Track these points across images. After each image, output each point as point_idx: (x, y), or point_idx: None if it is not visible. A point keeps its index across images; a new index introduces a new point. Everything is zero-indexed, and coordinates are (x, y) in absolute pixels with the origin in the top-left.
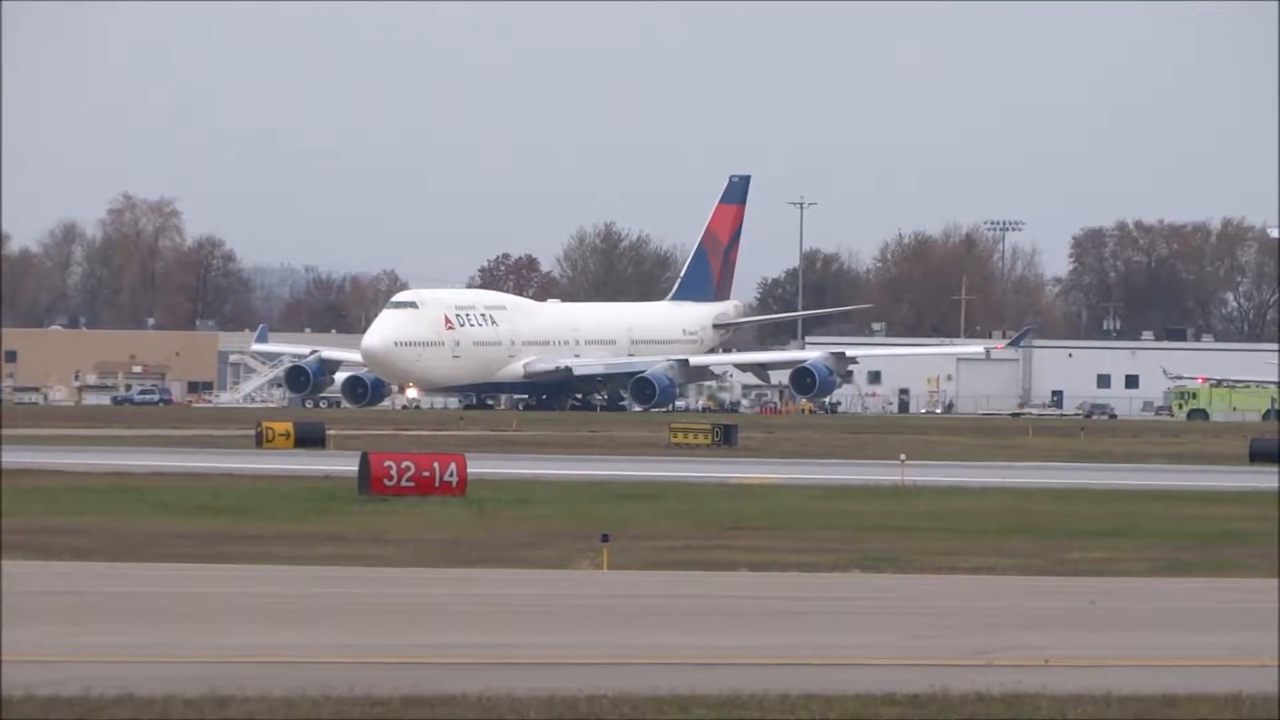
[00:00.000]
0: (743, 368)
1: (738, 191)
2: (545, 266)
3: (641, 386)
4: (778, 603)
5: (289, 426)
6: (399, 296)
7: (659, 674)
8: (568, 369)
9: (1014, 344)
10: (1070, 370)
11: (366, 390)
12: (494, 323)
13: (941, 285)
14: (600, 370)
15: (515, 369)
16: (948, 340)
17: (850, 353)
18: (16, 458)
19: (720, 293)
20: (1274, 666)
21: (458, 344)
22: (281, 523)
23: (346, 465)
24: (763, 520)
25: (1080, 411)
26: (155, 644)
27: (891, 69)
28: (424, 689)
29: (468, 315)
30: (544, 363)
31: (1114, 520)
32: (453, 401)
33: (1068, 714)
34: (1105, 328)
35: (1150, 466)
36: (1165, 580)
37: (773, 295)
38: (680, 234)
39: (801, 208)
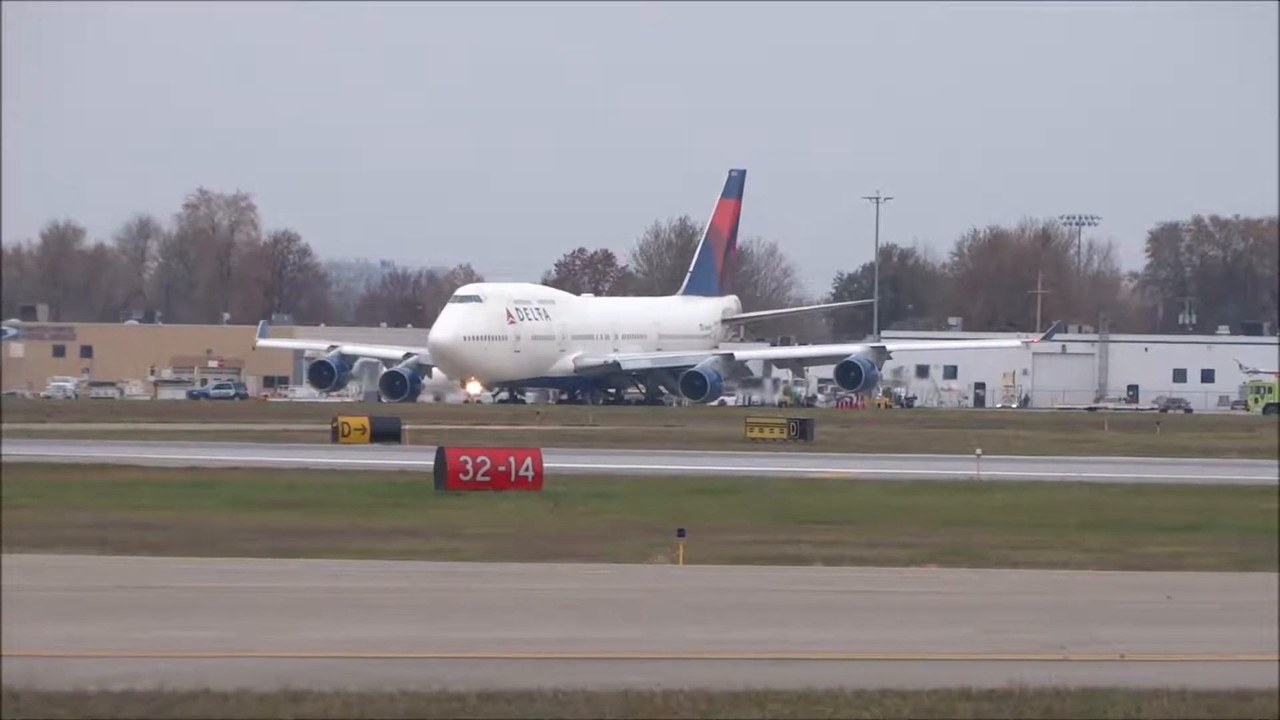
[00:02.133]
0: (779, 363)
1: (735, 186)
2: (621, 261)
3: (692, 380)
4: (853, 597)
5: (365, 421)
6: (463, 290)
7: (734, 669)
8: (616, 363)
9: (1047, 337)
10: (1146, 365)
11: (405, 385)
12: (547, 317)
13: (1017, 280)
14: (648, 364)
15: (566, 363)
16: (988, 335)
17: (890, 347)
18: (91, 452)
19: (723, 288)
20: None
21: (518, 338)
22: (357, 517)
23: (422, 460)
24: (838, 515)
25: (1156, 406)
26: (230, 639)
27: (971, 67)
28: (499, 684)
29: (524, 309)
30: (593, 357)
31: (1189, 515)
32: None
33: (1143, 709)
34: (1181, 322)
35: (1225, 461)
36: (1240, 575)
37: (848, 290)
38: (755, 229)
39: (877, 202)
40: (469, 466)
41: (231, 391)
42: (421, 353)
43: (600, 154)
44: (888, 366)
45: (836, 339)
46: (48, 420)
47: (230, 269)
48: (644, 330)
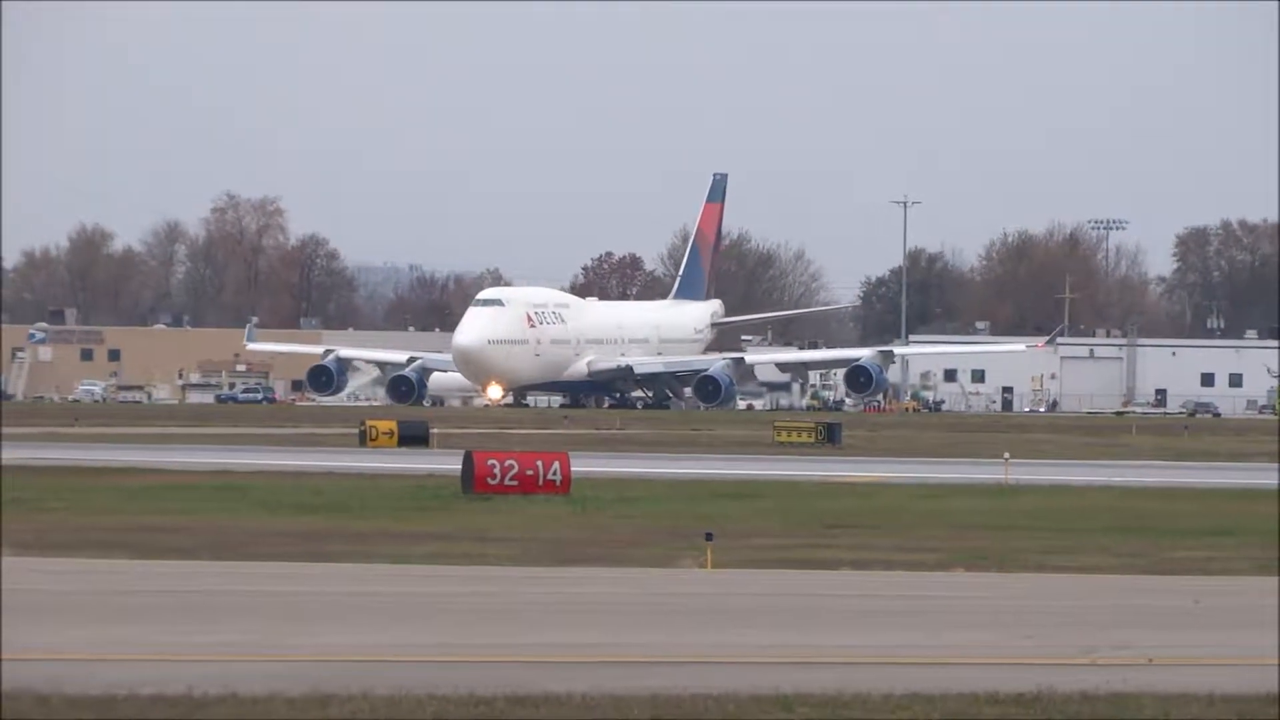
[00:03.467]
0: (782, 367)
1: (719, 190)
2: (649, 265)
3: (705, 384)
4: (880, 601)
5: (392, 425)
6: (484, 294)
7: (762, 673)
8: (628, 367)
9: (1050, 342)
10: (1174, 369)
11: (411, 389)
12: (563, 321)
13: (1045, 284)
14: (660, 368)
15: (580, 367)
16: (992, 339)
17: (898, 351)
18: (119, 456)
19: (709, 292)
20: None
21: (538, 342)
22: (384, 521)
23: (450, 463)
24: (866, 519)
25: (1184, 410)
26: (258, 642)
27: (995, 68)
28: (527, 688)
29: (543, 314)
30: (606, 361)
31: (1217, 519)
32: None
33: (1171, 713)
34: (1209, 326)
35: (1253, 465)
36: (1268, 579)
37: (876, 294)
38: (783, 233)
39: (905, 207)
40: (497, 470)
41: (259, 396)
42: (426, 356)
43: (626, 156)
44: (915, 370)
45: (864, 342)
46: (76, 424)
47: (258, 273)
48: (646, 334)
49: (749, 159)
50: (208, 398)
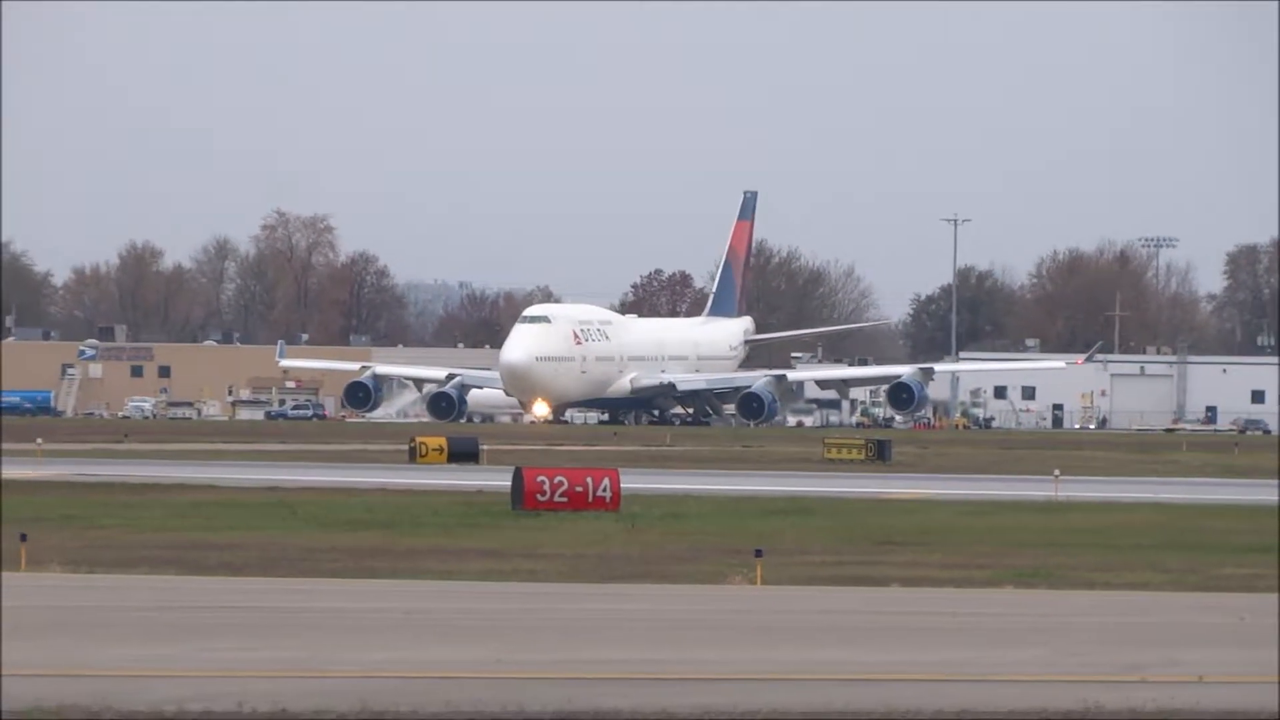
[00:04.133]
0: (824, 384)
1: (749, 208)
2: (698, 283)
3: (749, 402)
4: (930, 618)
5: (442, 441)
6: (530, 310)
7: (813, 690)
8: (671, 384)
9: (1089, 358)
10: (1224, 386)
11: (452, 405)
12: (607, 338)
13: (1096, 301)
14: (703, 385)
15: (623, 384)
16: (1042, 356)
17: (939, 369)
18: (169, 472)
19: (740, 308)
20: None
21: (584, 359)
22: (434, 537)
23: (500, 480)
24: (915, 536)
25: (1234, 427)
26: (307, 659)
27: (1046, 83)
28: (577, 705)
29: (588, 330)
30: (649, 378)
31: (1267, 536)
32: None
33: None
34: (1260, 343)
35: None
36: None
37: (925, 311)
38: (833, 250)
39: (955, 224)
40: (546, 487)
41: (309, 412)
42: (465, 373)
43: (672, 172)
44: (964, 387)
45: (914, 359)
46: (126, 440)
47: (308, 290)
48: (685, 351)
49: (799, 178)
50: (258, 414)
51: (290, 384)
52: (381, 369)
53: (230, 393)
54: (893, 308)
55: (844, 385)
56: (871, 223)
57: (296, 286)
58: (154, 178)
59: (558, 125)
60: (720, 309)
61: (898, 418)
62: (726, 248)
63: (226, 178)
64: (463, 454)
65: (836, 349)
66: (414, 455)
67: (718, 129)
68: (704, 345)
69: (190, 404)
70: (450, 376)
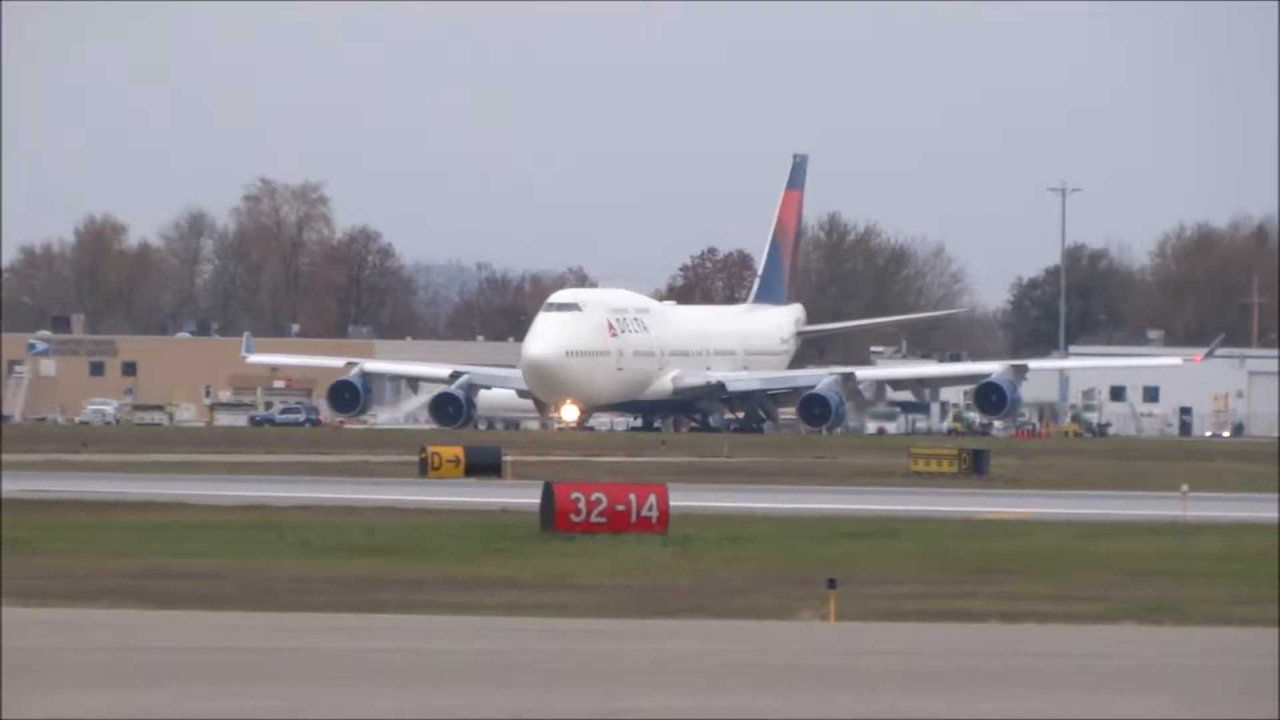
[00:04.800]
0: (897, 384)
1: (800, 174)
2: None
3: (812, 404)
4: (1034, 660)
5: (459, 451)
6: (557, 297)
7: None
8: (720, 384)
9: (1210, 353)
10: None
11: (460, 409)
12: (645, 329)
13: (1229, 286)
14: (758, 385)
15: (664, 384)
16: (1155, 350)
17: (1034, 365)
18: (135, 488)
19: (790, 294)
20: None
21: (620, 354)
22: (448, 565)
23: (526, 497)
24: (1017, 562)
25: None
26: (300, 708)
27: (1163, 35)
28: None
29: (624, 320)
30: (694, 376)
31: None
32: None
33: None
34: None
35: None
36: None
37: (1029, 297)
38: (920, 225)
39: (1064, 195)
40: (581, 505)
41: (301, 417)
42: (473, 370)
43: (723, 150)
44: (1075, 389)
45: (1017, 354)
46: (84, 450)
47: (298, 273)
48: (732, 345)
49: (873, 137)
50: (240, 419)
51: (279, 384)
52: (372, 366)
53: (207, 394)
54: (990, 294)
55: (920, 385)
56: (964, 192)
57: (285, 268)
58: (115, 140)
59: (592, 89)
60: (767, 294)
61: (995, 424)
62: (774, 221)
63: (202, 136)
64: (483, 466)
65: (925, 343)
66: (425, 468)
67: (769, 89)
68: (752, 337)
69: (160, 407)
70: (455, 375)
